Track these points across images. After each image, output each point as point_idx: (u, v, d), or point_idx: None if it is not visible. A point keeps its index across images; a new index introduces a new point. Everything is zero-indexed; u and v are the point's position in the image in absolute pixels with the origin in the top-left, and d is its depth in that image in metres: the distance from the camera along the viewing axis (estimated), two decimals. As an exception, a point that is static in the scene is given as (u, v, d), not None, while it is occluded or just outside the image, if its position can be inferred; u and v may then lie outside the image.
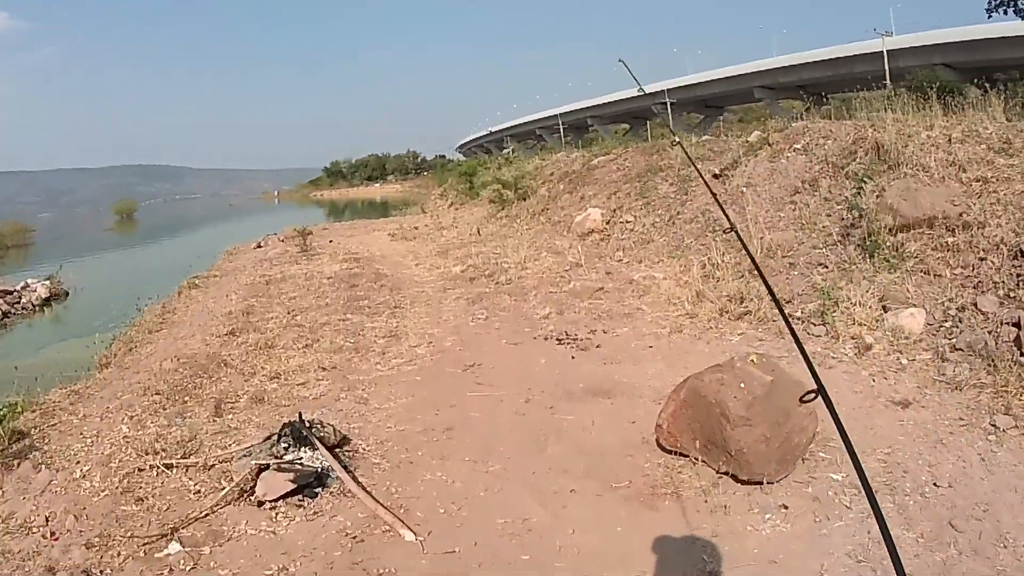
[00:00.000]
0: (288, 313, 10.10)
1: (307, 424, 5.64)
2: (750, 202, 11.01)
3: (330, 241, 18.45)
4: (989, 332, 6.25)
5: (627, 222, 13.91)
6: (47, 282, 22.71)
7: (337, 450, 5.53)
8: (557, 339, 8.19)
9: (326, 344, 8.55)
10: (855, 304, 7.37)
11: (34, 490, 5.34)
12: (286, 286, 11.88)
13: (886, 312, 7.13)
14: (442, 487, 5.03)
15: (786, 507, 4.40)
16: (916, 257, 7.69)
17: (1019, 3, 24.17)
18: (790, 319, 7.85)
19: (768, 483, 4.63)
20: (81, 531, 4.71)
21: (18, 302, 21.17)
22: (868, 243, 8.11)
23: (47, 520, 4.91)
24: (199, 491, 5.18)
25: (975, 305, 6.64)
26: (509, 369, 7.30)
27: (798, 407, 4.70)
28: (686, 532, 4.25)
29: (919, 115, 10.25)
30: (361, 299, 10.55)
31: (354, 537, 4.43)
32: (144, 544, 4.47)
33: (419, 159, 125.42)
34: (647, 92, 6.42)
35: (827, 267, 8.43)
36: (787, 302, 7.99)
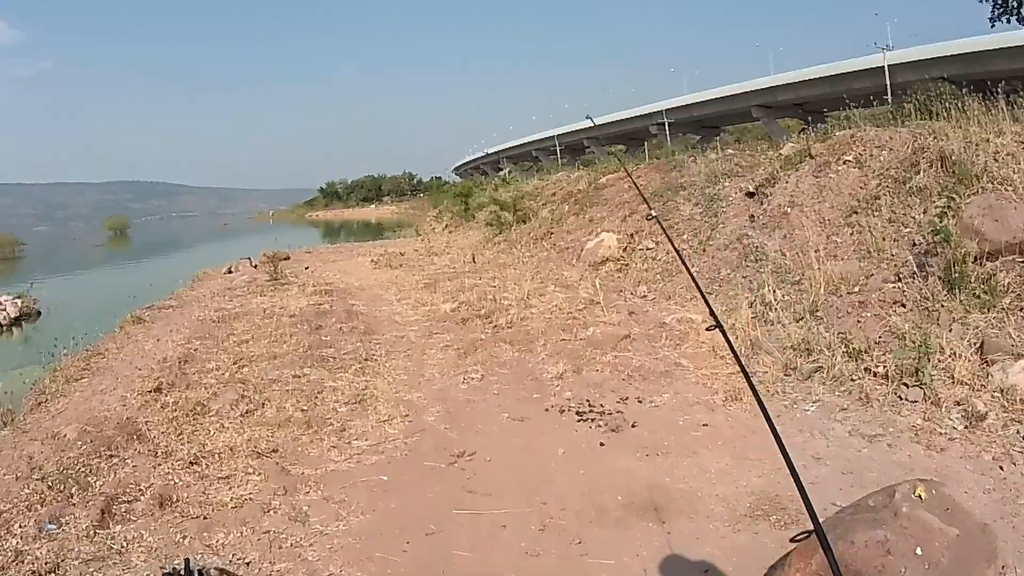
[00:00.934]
0: (234, 363, 8.04)
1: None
2: (798, 224, 9.16)
3: (306, 268, 16.38)
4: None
5: (647, 249, 11.97)
6: (17, 300, 21.09)
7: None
8: (577, 413, 6.16)
9: (271, 412, 6.51)
10: (951, 356, 5.67)
11: None
12: (241, 324, 9.82)
13: (990, 365, 5.54)
14: None
15: None
16: (1013, 292, 6.28)
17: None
18: (866, 373, 5.98)
19: None
20: None
21: None
22: (952, 275, 6.55)
23: None
24: None
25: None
26: (513, 464, 5.23)
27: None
28: None
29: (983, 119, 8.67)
30: (326, 346, 8.48)
31: None
32: None
33: (415, 180, 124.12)
34: (594, 123, 5.09)
35: (905, 306, 6.82)
36: (864, 352, 6.24)
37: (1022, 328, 5.82)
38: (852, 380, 5.97)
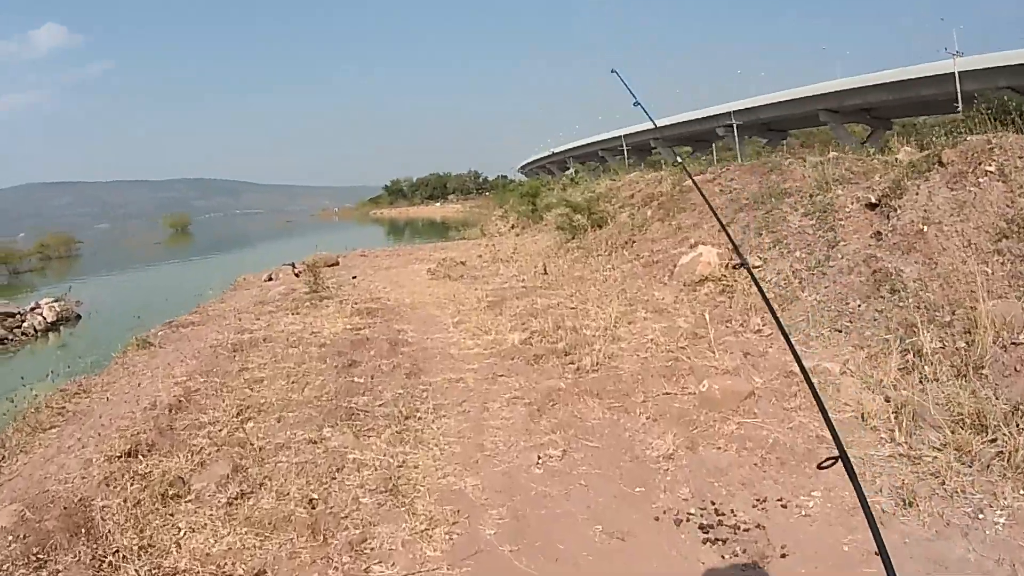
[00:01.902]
0: (237, 414, 6.20)
1: None
2: (938, 248, 7.16)
3: (353, 277, 14.48)
4: None
5: (754, 267, 9.75)
6: (55, 304, 20.10)
7: None
8: (701, 527, 4.12)
9: (268, 501, 4.63)
10: None
11: None
12: (258, 356, 7.98)
13: None
14: None
15: None
16: None
17: None
18: None
19: None
20: None
21: (19, 326, 18.56)
22: None
23: None
24: None
25: None
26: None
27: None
28: None
29: None
30: (357, 392, 6.55)
31: None
32: None
33: (480, 179, 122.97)
34: (639, 104, 4.89)
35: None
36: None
37: None
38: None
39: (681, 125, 63.25)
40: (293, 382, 6.90)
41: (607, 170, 40.20)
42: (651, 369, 6.74)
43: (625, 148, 70.57)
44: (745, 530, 4.05)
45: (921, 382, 5.51)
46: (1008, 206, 7.02)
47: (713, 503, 4.37)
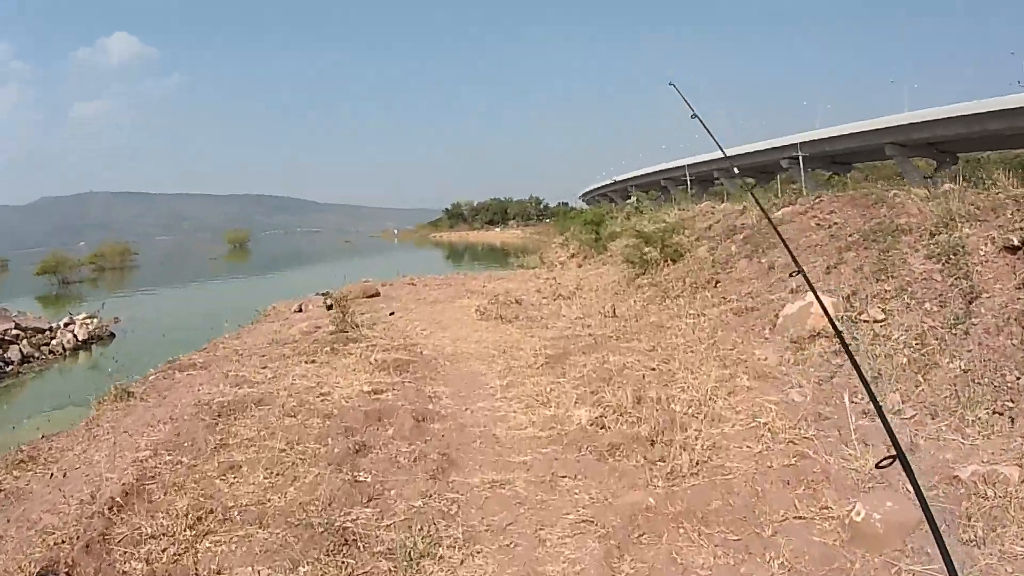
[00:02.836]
0: (193, 524, 4.37)
1: None
2: None
3: (390, 314, 12.65)
4: None
5: (876, 321, 7.66)
6: (88, 321, 18.92)
7: None
8: None
9: None
10: None
11: None
12: (246, 426, 6.12)
13: None
14: None
15: None
16: None
17: None
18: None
19: None
20: None
21: (48, 343, 17.29)
22: None
23: None
24: None
25: None
26: None
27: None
28: None
29: None
30: (362, 499, 4.63)
31: None
32: None
33: (541, 205, 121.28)
34: (696, 116, 4.81)
35: None
36: None
37: None
38: None
39: (746, 156, 60.92)
40: (277, 475, 5.03)
41: (670, 200, 38.51)
42: (771, 473, 4.77)
43: (688, 178, 68.59)
44: None
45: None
46: None
47: None
